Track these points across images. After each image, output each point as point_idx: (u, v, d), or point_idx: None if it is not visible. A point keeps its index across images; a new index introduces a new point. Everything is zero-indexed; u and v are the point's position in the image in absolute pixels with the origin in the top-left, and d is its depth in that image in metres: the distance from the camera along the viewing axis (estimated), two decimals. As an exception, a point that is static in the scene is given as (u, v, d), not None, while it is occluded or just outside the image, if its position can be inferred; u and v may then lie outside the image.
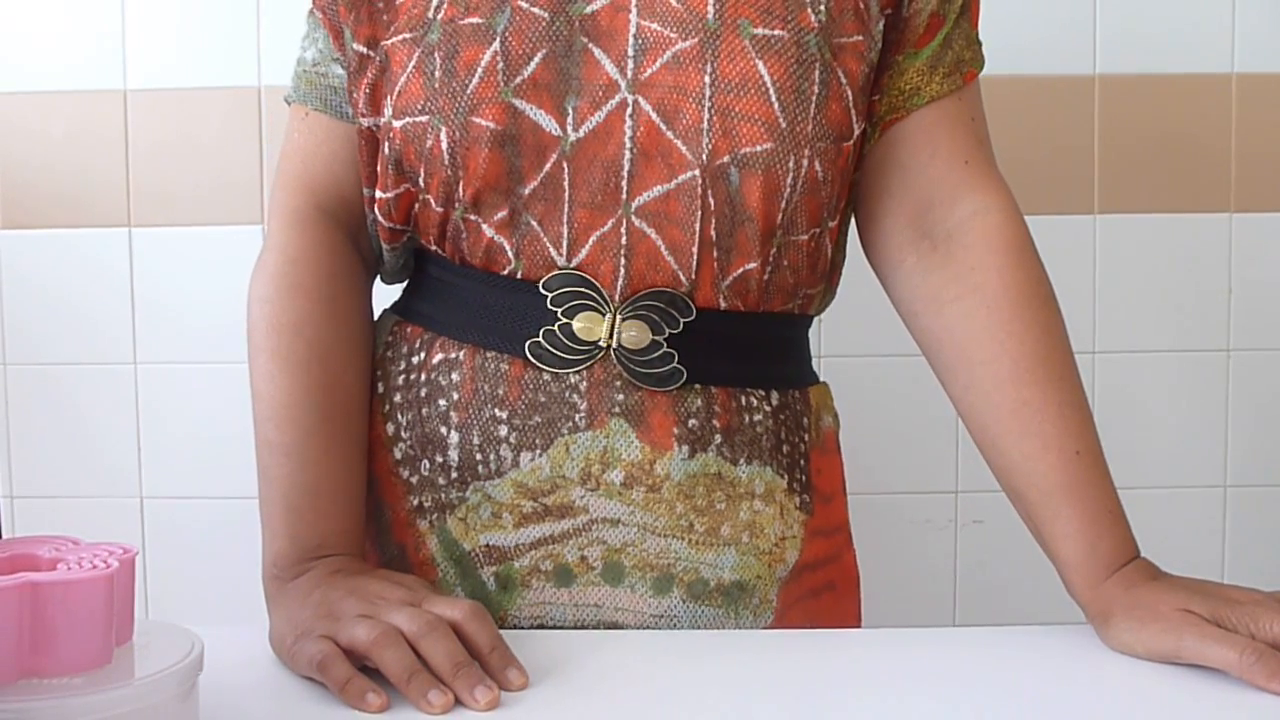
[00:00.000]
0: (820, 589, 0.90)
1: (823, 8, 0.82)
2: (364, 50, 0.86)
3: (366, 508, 0.88)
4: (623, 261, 0.82)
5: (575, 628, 0.84)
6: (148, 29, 1.49)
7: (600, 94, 0.80)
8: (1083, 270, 1.50)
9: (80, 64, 1.49)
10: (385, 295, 0.96)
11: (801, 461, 0.88)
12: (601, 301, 0.82)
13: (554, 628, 0.84)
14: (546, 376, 0.83)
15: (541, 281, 0.83)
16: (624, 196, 0.81)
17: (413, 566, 0.86)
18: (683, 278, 0.83)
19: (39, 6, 1.49)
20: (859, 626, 0.94)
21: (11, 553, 0.60)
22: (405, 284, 0.95)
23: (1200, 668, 0.72)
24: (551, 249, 0.82)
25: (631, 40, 0.80)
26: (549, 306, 0.82)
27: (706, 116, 0.80)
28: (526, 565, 0.83)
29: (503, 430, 0.83)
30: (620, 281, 0.82)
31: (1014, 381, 0.83)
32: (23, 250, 1.51)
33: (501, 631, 0.73)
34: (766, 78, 0.80)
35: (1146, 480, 1.52)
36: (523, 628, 0.84)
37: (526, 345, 0.83)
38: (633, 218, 0.81)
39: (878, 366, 1.49)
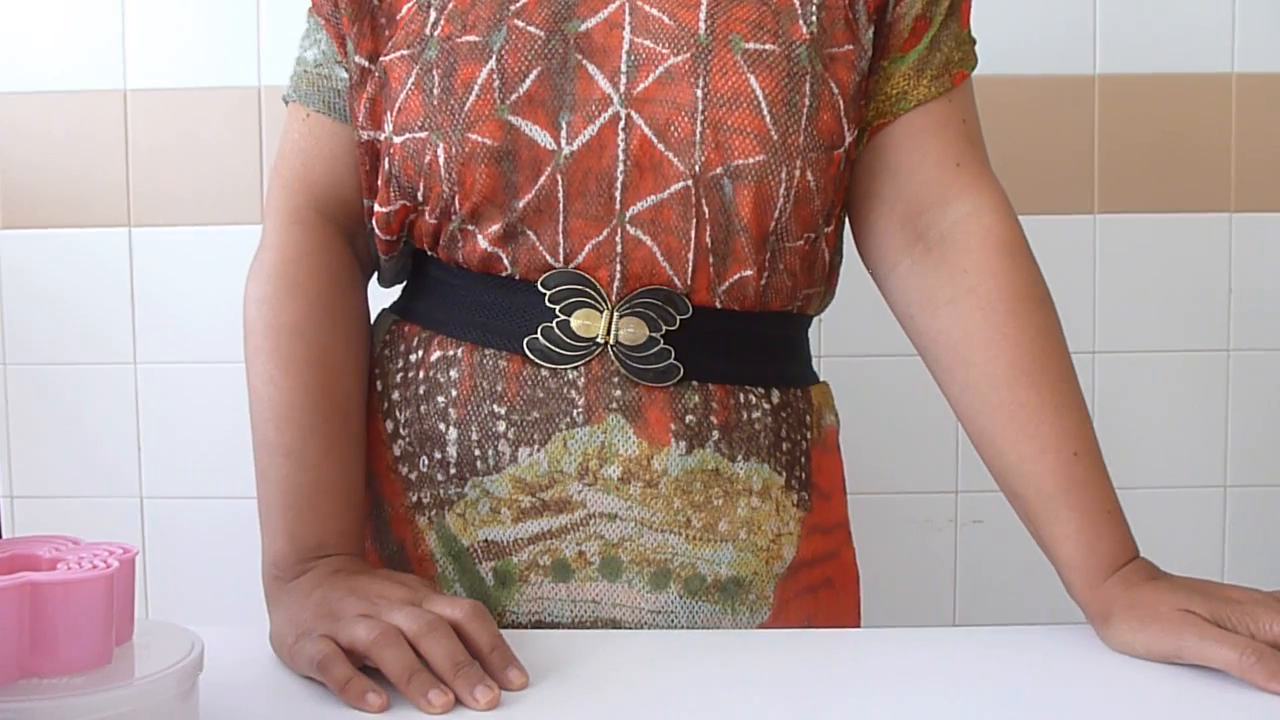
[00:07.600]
0: (818, 585, 0.90)
1: (814, 20, 0.82)
2: (365, 63, 0.86)
3: (365, 505, 0.88)
4: (619, 267, 0.82)
5: (573, 623, 0.84)
6: (148, 29, 1.49)
7: (594, 108, 0.80)
8: (1082, 270, 1.50)
9: (80, 64, 1.49)
10: (383, 296, 0.96)
11: (802, 459, 0.88)
12: (599, 299, 0.82)
13: (552, 623, 0.84)
14: (544, 373, 0.83)
15: (540, 280, 0.83)
16: (618, 207, 0.81)
17: (411, 562, 0.86)
18: (679, 283, 0.83)
19: (39, 6, 1.49)
20: (858, 623, 0.94)
21: (11, 553, 0.60)
22: (404, 284, 0.95)
23: (1200, 668, 0.72)
24: (548, 256, 0.82)
25: (625, 56, 0.81)
26: (547, 304, 0.83)
27: (699, 130, 0.80)
28: (525, 560, 0.83)
29: (501, 426, 0.83)
30: (617, 283, 0.82)
31: (1010, 383, 0.83)
32: (23, 250, 1.51)
33: (502, 630, 0.73)
34: (758, 91, 0.80)
35: (1146, 480, 1.52)
36: (521, 624, 0.84)
37: (525, 342, 0.83)
38: (627, 226, 0.81)
39: (878, 366, 1.49)
